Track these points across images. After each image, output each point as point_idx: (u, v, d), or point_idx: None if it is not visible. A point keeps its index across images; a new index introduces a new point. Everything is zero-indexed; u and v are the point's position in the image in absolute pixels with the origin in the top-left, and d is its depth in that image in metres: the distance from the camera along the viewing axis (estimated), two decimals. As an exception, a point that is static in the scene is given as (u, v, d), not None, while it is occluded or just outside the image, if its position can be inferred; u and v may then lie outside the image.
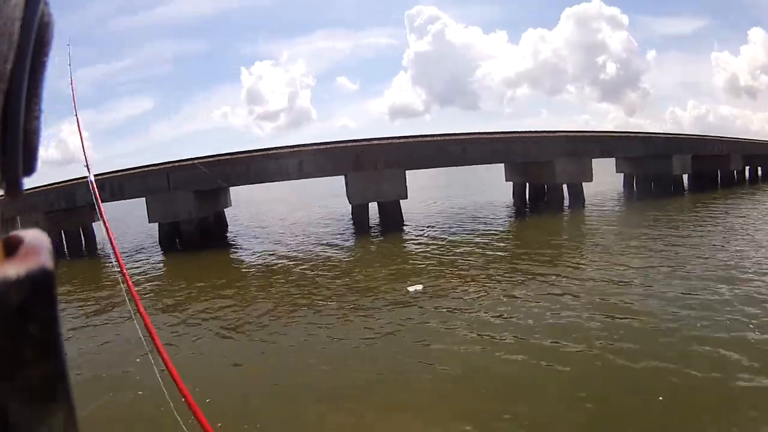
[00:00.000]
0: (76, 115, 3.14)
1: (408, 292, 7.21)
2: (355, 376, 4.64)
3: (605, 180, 23.42)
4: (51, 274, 0.23)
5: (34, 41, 0.24)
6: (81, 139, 2.99)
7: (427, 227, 14.16)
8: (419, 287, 7.32)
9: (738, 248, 9.14)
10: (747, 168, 25.74)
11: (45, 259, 0.23)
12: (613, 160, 23.15)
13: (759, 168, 26.62)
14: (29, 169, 0.26)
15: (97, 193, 2.33)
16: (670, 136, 22.90)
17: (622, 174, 24.27)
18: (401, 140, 15.42)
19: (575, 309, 6.17)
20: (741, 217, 13.24)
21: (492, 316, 6.07)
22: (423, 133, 16.57)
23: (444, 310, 6.35)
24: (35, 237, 0.24)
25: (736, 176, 24.82)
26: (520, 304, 6.52)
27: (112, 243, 2.16)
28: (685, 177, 22.40)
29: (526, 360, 4.78)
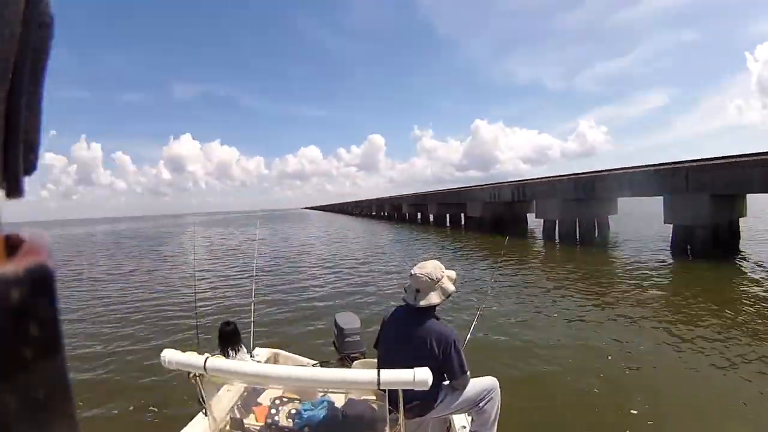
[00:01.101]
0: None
1: None
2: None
3: None
4: (51, 274, 0.23)
5: (34, 41, 0.25)
6: None
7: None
8: None
9: None
10: None
11: (46, 258, 0.23)
12: None
13: None
14: (29, 168, 0.26)
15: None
16: None
17: None
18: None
19: None
20: None
21: None
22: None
23: None
24: (36, 236, 0.24)
25: None
26: None
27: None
28: None
29: None
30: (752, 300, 7.74)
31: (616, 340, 6.01)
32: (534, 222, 22.52)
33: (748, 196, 14.53)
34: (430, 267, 2.40)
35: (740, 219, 15.14)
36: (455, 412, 2.54)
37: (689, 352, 5.51)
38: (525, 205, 24.05)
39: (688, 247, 13.10)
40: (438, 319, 2.42)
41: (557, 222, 19.25)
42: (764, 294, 8.08)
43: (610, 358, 5.35)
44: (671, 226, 13.93)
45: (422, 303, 2.34)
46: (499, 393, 2.56)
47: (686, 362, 5.18)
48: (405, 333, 2.37)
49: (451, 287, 2.40)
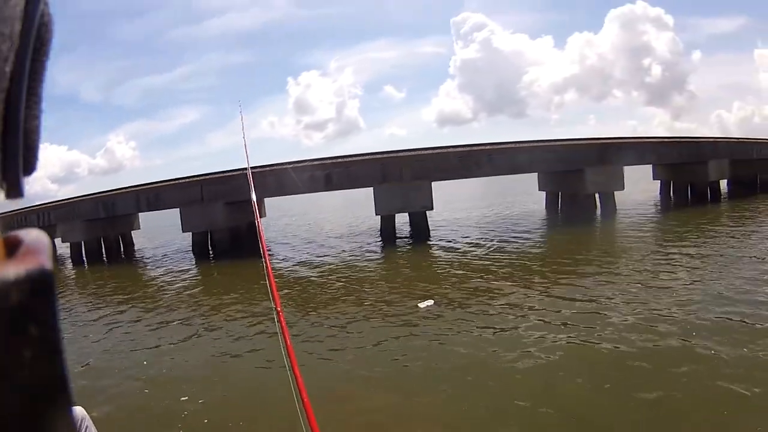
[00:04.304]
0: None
1: (419, 308, 6.73)
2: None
3: (647, 188, 23.78)
4: (51, 274, 0.22)
5: (34, 41, 0.25)
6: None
7: (453, 239, 14.44)
8: (430, 302, 6.84)
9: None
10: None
11: (45, 259, 0.23)
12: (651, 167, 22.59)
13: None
14: (29, 169, 0.26)
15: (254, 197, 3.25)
16: (704, 140, 21.92)
17: (659, 181, 23.51)
18: (426, 152, 15.66)
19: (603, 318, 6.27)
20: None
21: (507, 329, 6.21)
22: (449, 144, 16.76)
23: (451, 322, 6.28)
24: (35, 237, 0.24)
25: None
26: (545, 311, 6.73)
27: (263, 246, 2.60)
28: (724, 183, 21.68)
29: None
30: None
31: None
32: (62, 246, 22.18)
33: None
34: None
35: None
36: None
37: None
38: (52, 229, 22.56)
39: (210, 249, 15.83)
40: None
41: (83, 243, 19.36)
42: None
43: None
44: (191, 234, 16.37)
45: None
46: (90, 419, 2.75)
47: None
48: None
49: None
